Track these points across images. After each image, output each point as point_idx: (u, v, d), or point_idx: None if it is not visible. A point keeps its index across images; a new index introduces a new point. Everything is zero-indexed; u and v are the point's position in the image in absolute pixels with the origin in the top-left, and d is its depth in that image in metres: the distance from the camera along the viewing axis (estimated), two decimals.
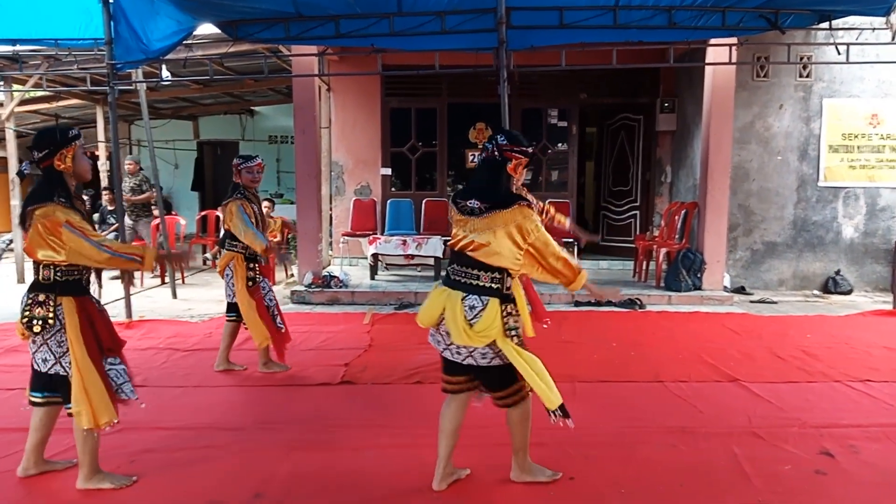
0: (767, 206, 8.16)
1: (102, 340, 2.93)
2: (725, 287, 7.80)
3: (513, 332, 2.74)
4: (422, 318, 2.87)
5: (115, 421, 2.89)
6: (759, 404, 4.07)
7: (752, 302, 7.54)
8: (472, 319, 2.69)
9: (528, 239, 2.69)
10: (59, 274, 2.84)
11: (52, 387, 2.93)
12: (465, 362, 2.81)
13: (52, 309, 2.82)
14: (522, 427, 2.90)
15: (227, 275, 4.62)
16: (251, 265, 4.60)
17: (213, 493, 2.94)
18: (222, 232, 5.11)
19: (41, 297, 2.84)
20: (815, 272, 8.22)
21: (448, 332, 2.75)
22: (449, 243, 2.89)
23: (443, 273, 3.00)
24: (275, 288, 8.24)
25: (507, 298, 2.77)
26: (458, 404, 2.93)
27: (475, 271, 2.74)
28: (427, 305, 2.85)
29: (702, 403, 4.07)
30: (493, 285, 2.73)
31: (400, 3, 5.69)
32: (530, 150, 2.83)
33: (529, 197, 2.90)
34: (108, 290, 7.09)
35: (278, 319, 4.73)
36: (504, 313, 2.73)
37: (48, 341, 2.86)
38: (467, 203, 2.77)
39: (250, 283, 4.57)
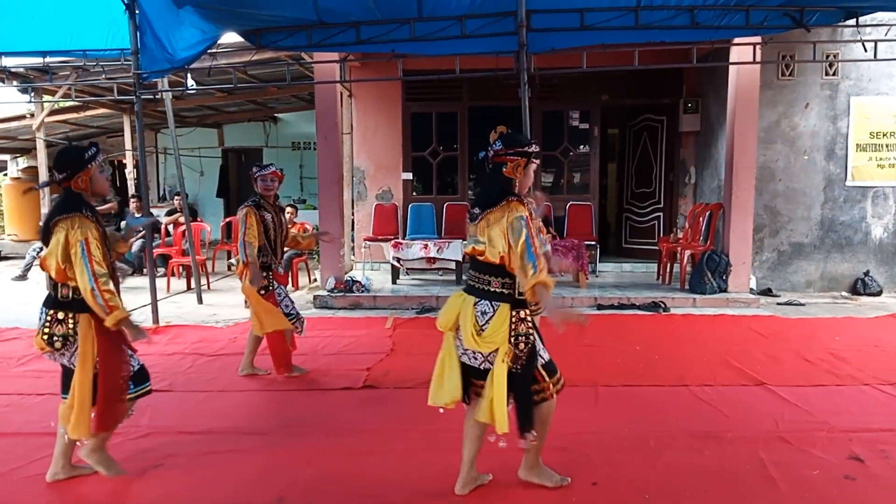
0: (794, 206, 8.04)
1: (123, 341, 3.06)
2: (751, 289, 7.69)
3: (521, 338, 2.73)
4: (440, 321, 2.92)
5: (85, 441, 3.03)
6: (786, 408, 4.01)
7: (778, 304, 7.42)
8: (483, 325, 2.72)
9: (510, 229, 2.68)
10: (76, 293, 2.92)
11: None
12: (482, 367, 2.81)
13: (71, 326, 2.93)
14: (540, 427, 2.88)
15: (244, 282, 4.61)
16: (265, 273, 4.59)
17: (237, 496, 2.98)
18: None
19: (60, 315, 2.94)
20: (843, 273, 8.07)
21: (462, 338, 2.78)
22: (464, 252, 2.96)
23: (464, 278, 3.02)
24: (298, 293, 8.39)
25: (519, 304, 2.77)
26: None
27: (487, 276, 2.78)
28: (445, 310, 2.90)
29: (727, 407, 4.02)
30: (504, 290, 2.74)
31: (420, 8, 5.72)
32: (529, 148, 2.82)
33: (531, 199, 2.90)
34: (136, 297, 7.23)
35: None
36: (515, 319, 2.73)
37: (69, 356, 2.98)
38: (473, 211, 2.86)
39: (263, 292, 4.57)
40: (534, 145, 2.86)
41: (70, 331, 2.92)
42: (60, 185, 2.98)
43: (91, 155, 3.00)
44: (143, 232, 8.28)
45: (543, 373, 2.83)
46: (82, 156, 2.98)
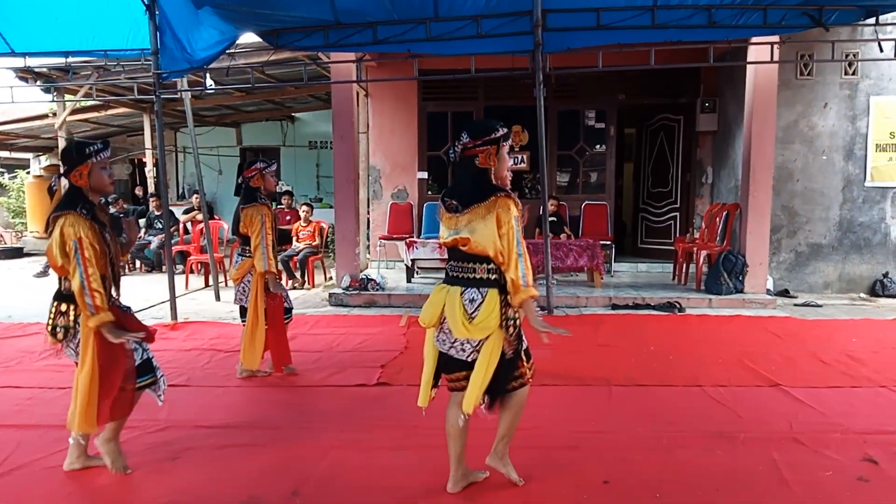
0: (812, 206, 7.97)
1: (133, 329, 3.07)
2: (768, 290, 7.63)
3: (510, 322, 2.71)
4: (423, 318, 2.84)
5: (93, 432, 3.06)
6: (800, 409, 3.98)
7: (795, 305, 7.37)
8: (472, 313, 2.69)
9: (501, 230, 2.66)
10: None
11: None
12: (469, 359, 2.77)
13: (72, 319, 3.00)
14: (515, 413, 2.87)
15: (248, 280, 4.56)
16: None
17: (253, 489, 3.02)
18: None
19: (63, 308, 3.01)
20: (861, 275, 7.99)
21: (451, 328, 2.73)
22: (440, 242, 2.89)
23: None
24: (313, 291, 8.45)
25: (505, 289, 2.71)
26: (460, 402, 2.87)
27: (471, 264, 2.74)
28: (428, 305, 2.84)
29: (741, 408, 4.00)
30: (490, 276, 2.71)
31: (436, 9, 5.75)
32: (497, 133, 2.75)
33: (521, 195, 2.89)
34: (155, 293, 7.34)
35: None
36: (504, 303, 2.70)
37: (73, 347, 3.04)
38: (452, 201, 2.80)
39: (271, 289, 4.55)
40: (500, 128, 2.76)
41: (71, 323, 2.99)
42: (66, 178, 3.03)
43: (93, 150, 3.01)
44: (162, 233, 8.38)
45: (523, 357, 2.81)
46: (83, 150, 3.01)
